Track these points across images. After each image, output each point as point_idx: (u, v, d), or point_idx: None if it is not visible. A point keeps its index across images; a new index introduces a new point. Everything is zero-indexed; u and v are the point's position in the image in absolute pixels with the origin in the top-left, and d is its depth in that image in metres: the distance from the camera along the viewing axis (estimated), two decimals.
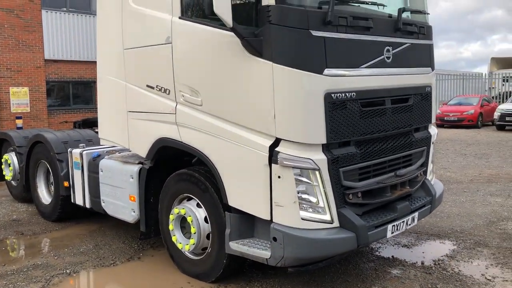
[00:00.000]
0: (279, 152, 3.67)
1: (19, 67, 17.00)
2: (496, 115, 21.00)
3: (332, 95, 3.73)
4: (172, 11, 4.33)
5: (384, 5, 4.30)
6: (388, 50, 4.25)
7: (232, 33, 3.71)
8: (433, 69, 5.02)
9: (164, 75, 4.50)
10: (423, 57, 4.85)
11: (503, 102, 25.43)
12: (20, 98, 17.05)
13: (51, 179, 6.63)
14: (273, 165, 3.72)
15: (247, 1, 3.80)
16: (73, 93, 18.83)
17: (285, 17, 3.58)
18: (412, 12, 4.79)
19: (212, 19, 3.87)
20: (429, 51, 4.96)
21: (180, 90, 4.37)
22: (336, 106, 3.77)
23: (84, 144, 6.16)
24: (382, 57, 4.20)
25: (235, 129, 3.95)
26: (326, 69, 3.69)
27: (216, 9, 3.48)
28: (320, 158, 3.69)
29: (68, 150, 6.12)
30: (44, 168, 6.86)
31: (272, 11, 3.57)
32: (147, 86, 4.74)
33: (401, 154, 4.53)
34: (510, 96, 26.01)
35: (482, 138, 17.57)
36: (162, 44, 4.45)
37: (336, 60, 3.78)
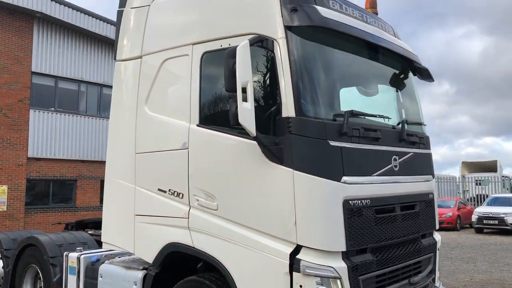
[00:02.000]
0: (301, 259, 3.66)
1: (0, 165, 16.81)
2: (474, 218, 21.41)
3: (350, 202, 3.84)
4: (190, 119, 4.51)
5: (389, 118, 4.61)
6: (395, 159, 4.47)
7: (251, 141, 3.89)
8: (433, 177, 5.24)
9: (177, 179, 4.56)
10: (424, 166, 5.09)
11: (477, 204, 26.10)
12: None
13: (40, 284, 6.29)
14: (294, 273, 3.67)
15: (267, 112, 4.00)
16: (53, 192, 18.50)
17: (305, 128, 3.79)
18: (410, 123, 5.10)
19: (232, 127, 4.05)
20: (429, 160, 5.23)
21: (194, 194, 4.41)
22: (353, 213, 3.86)
23: (81, 248, 5.96)
24: (391, 165, 4.40)
25: (253, 235, 3.95)
26: (343, 177, 3.84)
27: (241, 119, 3.67)
28: (341, 266, 3.69)
29: (64, 254, 5.90)
30: (32, 273, 6.54)
31: (293, 122, 3.78)
32: (159, 189, 4.76)
33: (412, 261, 4.56)
34: (484, 199, 26.76)
35: (463, 241, 17.72)
36: (178, 149, 4.57)
37: (351, 168, 3.95)
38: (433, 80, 5.31)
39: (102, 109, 19.75)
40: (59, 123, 18.57)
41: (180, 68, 4.74)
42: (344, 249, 3.74)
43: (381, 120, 4.57)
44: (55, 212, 18.03)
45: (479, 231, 21.11)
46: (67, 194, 18.87)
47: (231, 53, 3.78)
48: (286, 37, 3.92)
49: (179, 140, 4.58)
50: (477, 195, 29.47)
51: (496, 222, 20.37)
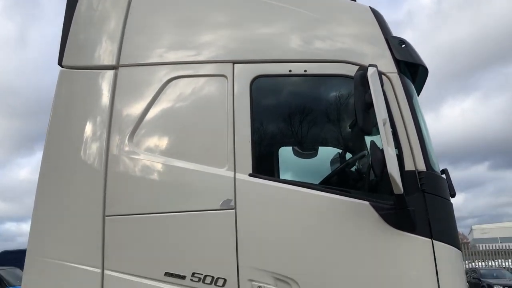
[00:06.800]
0: None
1: None
2: None
3: None
4: (234, 166, 3.08)
5: None
6: None
7: (358, 200, 2.94)
8: None
9: (213, 256, 2.98)
10: None
11: None
12: None
13: None
14: None
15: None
16: None
17: (438, 185, 3.06)
18: None
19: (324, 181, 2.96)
20: None
21: (250, 279, 2.92)
22: None
23: None
24: None
25: None
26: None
27: (391, 169, 2.67)
28: None
29: None
30: None
31: (425, 178, 2.98)
32: (167, 274, 2.99)
33: None
34: None
35: None
36: (212, 210, 3.03)
37: None
38: None
39: None
40: None
41: (206, 92, 3.31)
42: None
43: None
44: None
45: None
46: None
47: (363, 79, 2.82)
48: (399, 73, 3.19)
49: (214, 196, 3.06)
50: None
51: None
